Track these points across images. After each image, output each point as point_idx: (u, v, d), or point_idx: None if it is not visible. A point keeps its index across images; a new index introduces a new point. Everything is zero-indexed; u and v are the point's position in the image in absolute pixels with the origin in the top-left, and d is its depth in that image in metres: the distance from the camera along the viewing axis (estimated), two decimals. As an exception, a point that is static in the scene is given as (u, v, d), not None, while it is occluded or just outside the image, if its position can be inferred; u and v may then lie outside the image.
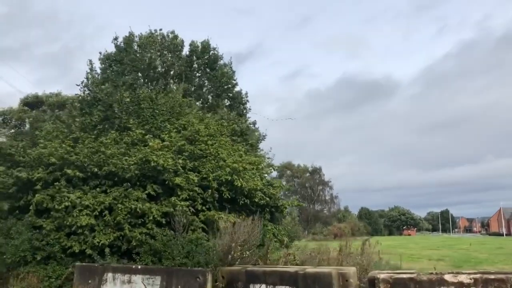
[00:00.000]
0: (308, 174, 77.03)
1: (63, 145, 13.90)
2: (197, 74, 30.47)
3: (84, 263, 12.27)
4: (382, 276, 8.48)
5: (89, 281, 11.77)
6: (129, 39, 27.38)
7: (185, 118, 17.19)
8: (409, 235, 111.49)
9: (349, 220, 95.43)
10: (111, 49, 26.93)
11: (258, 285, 10.56)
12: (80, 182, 13.52)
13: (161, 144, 14.20)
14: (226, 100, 29.44)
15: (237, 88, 30.37)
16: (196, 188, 13.87)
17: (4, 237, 12.69)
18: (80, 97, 18.99)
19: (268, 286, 10.37)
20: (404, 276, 8.36)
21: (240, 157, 16.17)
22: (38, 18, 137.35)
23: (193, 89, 29.01)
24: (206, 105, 27.70)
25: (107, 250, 12.44)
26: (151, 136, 14.86)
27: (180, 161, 13.88)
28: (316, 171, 76.22)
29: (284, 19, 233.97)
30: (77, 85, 19.54)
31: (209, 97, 29.81)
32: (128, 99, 17.25)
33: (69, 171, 13.10)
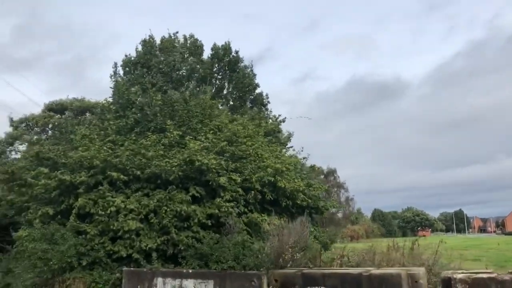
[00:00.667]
0: (322, 176, 76.25)
1: (104, 148, 13.68)
2: (218, 77, 30.29)
3: (132, 268, 12.00)
4: (459, 276, 8.10)
5: (138, 286, 11.49)
6: (149, 43, 27.27)
7: (218, 119, 16.94)
8: (424, 236, 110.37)
9: (363, 222, 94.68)
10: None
11: (317, 287, 10.21)
12: (123, 186, 13.26)
13: (201, 145, 13.92)
14: (248, 102, 29.26)
15: (257, 90, 30.30)
16: (239, 189, 13.57)
17: (48, 242, 12.42)
18: (110, 101, 18.78)
19: (327, 289, 10.02)
20: (484, 276, 7.97)
21: (276, 157, 15.89)
22: (52, 28, 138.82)
23: (213, 90, 28.85)
24: (227, 106, 27.54)
25: (154, 254, 12.15)
26: (191, 137, 14.59)
27: (223, 162, 13.61)
28: (331, 173, 75.53)
29: (293, 22, 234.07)
30: (110, 87, 19.39)
31: (230, 98, 29.65)
32: (160, 102, 16.99)
33: (113, 174, 12.85)
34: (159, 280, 11.36)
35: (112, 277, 12.19)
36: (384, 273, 9.20)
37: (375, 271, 9.54)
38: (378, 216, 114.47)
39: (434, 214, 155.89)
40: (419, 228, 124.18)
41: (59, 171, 13.36)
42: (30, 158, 14.90)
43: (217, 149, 14.05)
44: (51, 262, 11.91)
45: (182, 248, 12.49)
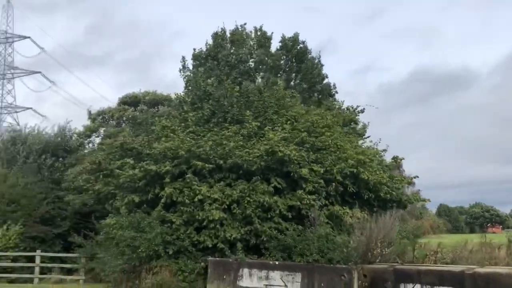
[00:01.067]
0: (386, 170, 74.00)
1: (188, 138, 13.88)
2: (286, 68, 30.03)
3: (217, 258, 12.08)
4: None
5: (224, 277, 11.56)
6: (220, 36, 27.44)
7: (294, 110, 16.67)
8: (494, 233, 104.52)
9: (427, 217, 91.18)
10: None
11: (411, 285, 9.75)
12: (207, 175, 13.38)
13: (280, 136, 13.74)
14: (316, 93, 28.80)
15: (325, 81, 29.75)
16: (320, 181, 13.29)
17: (135, 230, 12.76)
18: (185, 93, 19.08)
19: (424, 287, 9.53)
20: None
21: (355, 148, 15.45)
22: (120, 27, 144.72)
23: (279, 82, 28.63)
24: (300, 97, 27.12)
25: (238, 244, 12.17)
26: (270, 128, 14.46)
27: (303, 153, 13.38)
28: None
29: (354, 13, 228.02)
30: (188, 80, 19.73)
31: (298, 90, 29.29)
32: (237, 93, 16.99)
33: (198, 163, 13.00)
34: (245, 271, 11.36)
35: (197, 266, 12.34)
36: (492, 272, 8.59)
37: (479, 269, 8.94)
38: (444, 211, 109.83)
39: (504, 210, 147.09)
40: (488, 225, 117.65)
41: (145, 162, 13.70)
42: (115, 149, 15.39)
43: (297, 140, 13.82)
44: (139, 250, 12.24)
45: (265, 239, 12.42)
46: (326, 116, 16.04)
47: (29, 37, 69.45)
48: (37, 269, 18.07)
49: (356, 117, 19.35)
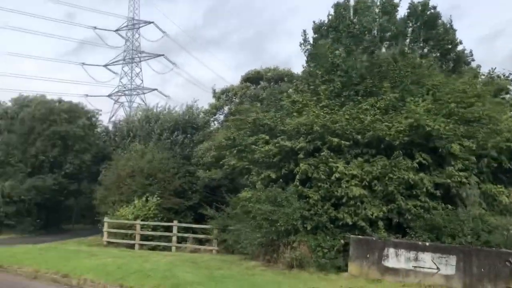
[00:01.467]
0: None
1: (322, 113, 13.44)
2: (416, 36, 27.93)
3: (360, 236, 11.60)
4: None
5: (367, 255, 11.06)
6: (342, 6, 26.33)
7: (436, 78, 15.22)
8: None
9: None
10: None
11: None
12: (346, 150, 12.86)
13: (424, 108, 12.63)
14: (450, 61, 26.43)
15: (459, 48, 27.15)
16: (471, 157, 12.01)
17: (271, 205, 12.76)
18: (312, 66, 18.57)
19: None
20: None
21: (508, 119, 13.72)
22: (236, 7, 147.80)
23: (406, 50, 26.73)
24: (437, 65, 24.97)
25: (380, 223, 11.55)
26: (411, 99, 13.36)
27: (452, 126, 12.16)
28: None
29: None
30: (310, 53, 19.32)
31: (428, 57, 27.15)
32: (367, 63, 16.02)
33: (334, 139, 12.53)
34: (391, 250, 10.73)
35: (336, 243, 12.00)
36: None
37: None
38: None
39: None
40: None
41: (280, 137, 13.59)
42: (248, 124, 15.52)
43: (444, 112, 12.59)
44: (278, 224, 12.20)
45: (409, 218, 11.62)
46: (475, 84, 14.41)
47: (152, 22, 73.83)
48: (174, 238, 19.28)
49: (509, 86, 17.15)
